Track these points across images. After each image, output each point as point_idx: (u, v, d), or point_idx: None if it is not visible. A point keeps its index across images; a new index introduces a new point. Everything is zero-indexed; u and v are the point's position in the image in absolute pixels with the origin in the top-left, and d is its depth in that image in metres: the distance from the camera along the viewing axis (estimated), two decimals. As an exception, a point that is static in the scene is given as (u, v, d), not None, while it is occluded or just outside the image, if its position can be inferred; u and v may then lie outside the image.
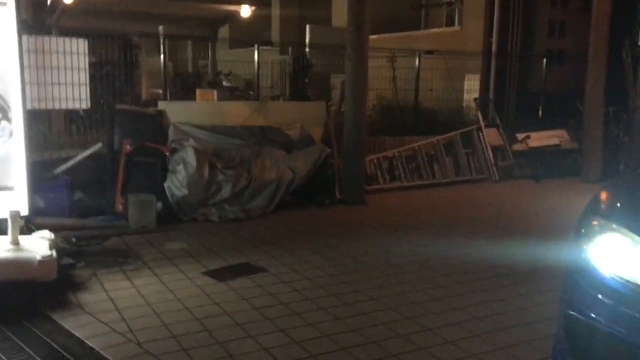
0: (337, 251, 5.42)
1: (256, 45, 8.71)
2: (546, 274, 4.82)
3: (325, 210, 7.13)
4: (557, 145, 10.14)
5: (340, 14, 15.89)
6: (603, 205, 2.90)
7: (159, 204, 6.22)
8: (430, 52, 9.56)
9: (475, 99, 10.11)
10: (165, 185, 6.49)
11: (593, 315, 2.67)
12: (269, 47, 10.52)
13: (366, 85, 7.35)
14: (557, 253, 5.33)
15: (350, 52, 7.14)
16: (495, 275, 4.81)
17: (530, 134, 9.78)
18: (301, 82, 9.63)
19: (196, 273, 4.75)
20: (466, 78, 10.94)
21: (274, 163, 7.04)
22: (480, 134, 9.44)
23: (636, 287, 2.54)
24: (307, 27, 11.66)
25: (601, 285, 2.66)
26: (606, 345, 2.62)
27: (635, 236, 2.60)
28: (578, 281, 2.78)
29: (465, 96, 10.91)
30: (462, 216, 6.97)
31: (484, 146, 9.40)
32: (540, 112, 10.77)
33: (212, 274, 4.75)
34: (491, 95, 10.56)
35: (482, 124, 9.49)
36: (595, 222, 2.80)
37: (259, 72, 8.68)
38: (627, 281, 2.57)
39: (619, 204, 2.83)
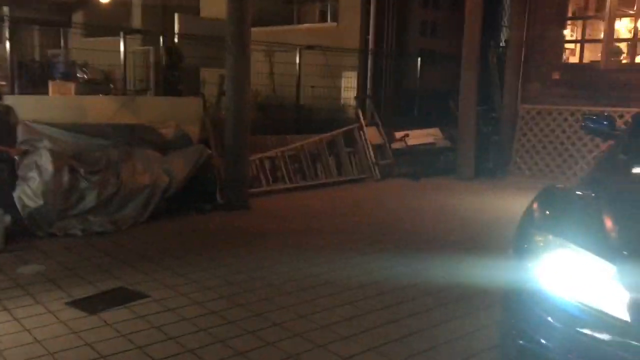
0: (227, 267, 4.83)
1: (122, 34, 7.79)
2: (456, 289, 4.62)
3: (207, 218, 6.48)
4: (433, 144, 10.30)
5: (209, 4, 15.11)
6: (545, 219, 2.64)
7: (8, 218, 5.21)
8: (311, 47, 9.21)
9: (356, 97, 9.94)
10: (15, 195, 5.47)
11: (544, 342, 2.40)
12: (134, 36, 9.57)
13: (249, 80, 6.80)
14: (458, 264, 5.18)
15: (231, 44, 6.54)
16: (400, 287, 4.50)
17: (408, 132, 9.80)
18: (172, 75, 8.81)
19: (59, 304, 3.93)
20: (343, 75, 10.75)
21: (146, 166, 6.25)
22: (362, 132, 9.27)
23: (591, 310, 2.30)
24: (176, 16, 10.81)
25: (553, 308, 2.39)
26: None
27: (588, 253, 2.36)
28: (525, 305, 2.49)
29: (343, 94, 10.73)
30: (352, 220, 6.67)
31: (365, 145, 9.24)
32: (415, 110, 10.88)
33: (79, 304, 3.95)
34: (369, 93, 10.46)
35: (363, 122, 9.33)
36: (540, 238, 2.53)
37: (125, 64, 7.76)
38: (582, 303, 2.32)
39: (563, 218, 2.58)
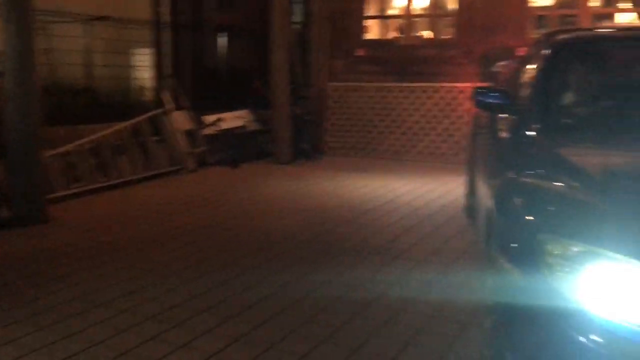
0: (48, 310, 3.53)
1: None
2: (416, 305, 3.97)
3: (-6, 240, 4.90)
4: (244, 127, 9.54)
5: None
6: (558, 223, 2.08)
7: None
8: (102, 18, 7.69)
9: (160, 78, 8.69)
10: None
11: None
12: None
13: (34, 57, 5.25)
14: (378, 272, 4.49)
15: (11, 11, 4.94)
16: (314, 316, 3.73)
17: (221, 115, 8.90)
18: None
19: None
20: (137, 53, 9.35)
21: None
22: (169, 118, 8.11)
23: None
24: None
25: (606, 334, 1.88)
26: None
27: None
28: (565, 331, 1.93)
29: (138, 74, 9.35)
30: (184, 222, 5.63)
31: (175, 132, 8.11)
32: (220, 91, 9.97)
33: None
34: (170, 73, 9.26)
35: (171, 106, 8.16)
36: (559, 247, 1.98)
37: None
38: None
39: (579, 221, 2.06)
